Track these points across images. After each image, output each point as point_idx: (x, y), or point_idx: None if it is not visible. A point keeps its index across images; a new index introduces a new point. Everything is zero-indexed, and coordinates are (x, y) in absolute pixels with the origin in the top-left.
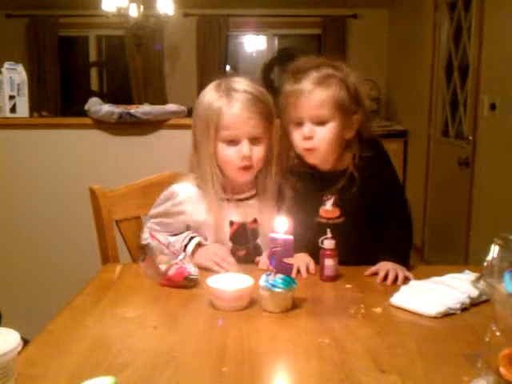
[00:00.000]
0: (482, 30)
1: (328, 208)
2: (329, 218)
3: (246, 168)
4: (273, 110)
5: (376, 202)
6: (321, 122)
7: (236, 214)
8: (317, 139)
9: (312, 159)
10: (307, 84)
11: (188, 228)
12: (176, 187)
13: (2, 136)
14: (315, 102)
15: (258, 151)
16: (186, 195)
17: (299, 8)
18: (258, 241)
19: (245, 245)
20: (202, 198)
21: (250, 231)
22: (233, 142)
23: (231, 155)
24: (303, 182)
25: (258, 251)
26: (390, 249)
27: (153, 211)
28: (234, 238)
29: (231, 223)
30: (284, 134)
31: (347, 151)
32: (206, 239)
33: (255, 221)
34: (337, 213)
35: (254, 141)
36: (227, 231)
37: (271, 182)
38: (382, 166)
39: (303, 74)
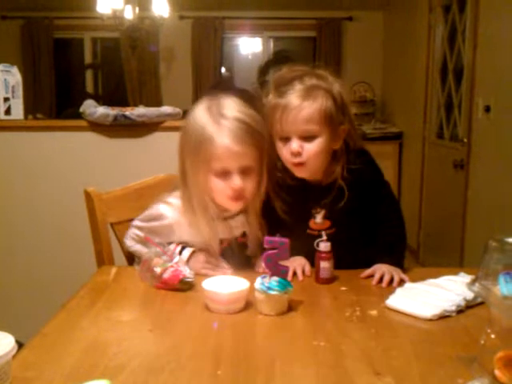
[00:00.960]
0: (476, 33)
1: (318, 221)
2: (319, 230)
3: (237, 198)
4: (265, 135)
5: (367, 210)
6: (309, 137)
7: (224, 231)
8: (305, 154)
9: (301, 173)
10: (293, 98)
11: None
12: (163, 209)
13: None
14: (303, 117)
15: (250, 182)
16: (175, 219)
17: (294, 10)
18: (248, 252)
19: (234, 259)
20: (190, 219)
21: (240, 245)
22: (223, 173)
23: (221, 186)
24: (292, 195)
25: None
26: (385, 251)
27: (139, 224)
28: (224, 253)
29: (221, 241)
30: (271, 146)
31: (335, 162)
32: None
33: (244, 234)
34: (327, 224)
35: (245, 171)
36: (217, 249)
37: (259, 196)
38: (371, 176)
39: (287, 86)
